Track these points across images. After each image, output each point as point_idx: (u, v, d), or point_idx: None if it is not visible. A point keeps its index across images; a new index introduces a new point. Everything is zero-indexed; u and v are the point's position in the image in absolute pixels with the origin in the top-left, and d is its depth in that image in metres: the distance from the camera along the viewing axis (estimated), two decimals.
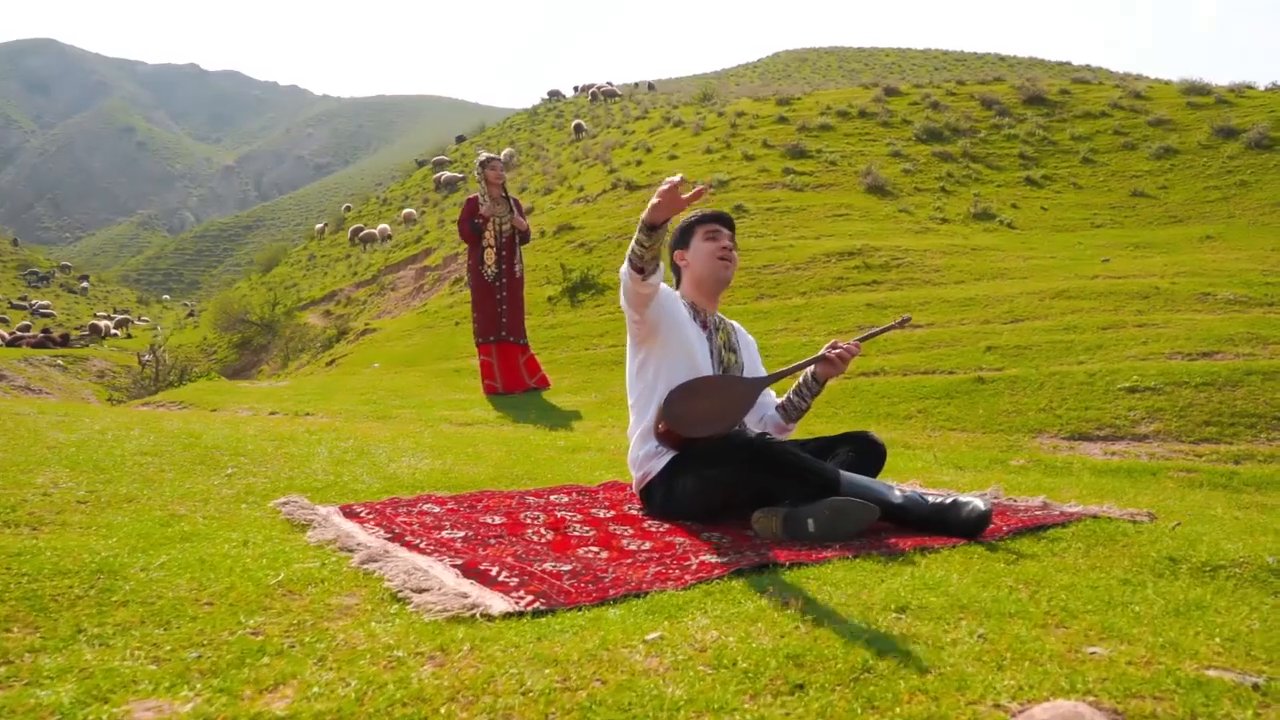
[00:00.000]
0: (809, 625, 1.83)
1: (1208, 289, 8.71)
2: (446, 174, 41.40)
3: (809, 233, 13.16)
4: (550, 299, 12.62)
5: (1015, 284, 9.92)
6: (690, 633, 1.78)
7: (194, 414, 7.07)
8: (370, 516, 2.98)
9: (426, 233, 28.79)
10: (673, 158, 20.21)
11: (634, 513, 3.18)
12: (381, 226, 35.62)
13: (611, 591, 2.10)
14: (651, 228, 2.87)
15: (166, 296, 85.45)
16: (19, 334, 29.96)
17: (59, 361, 21.49)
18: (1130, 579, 2.33)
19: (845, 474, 2.85)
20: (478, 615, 1.88)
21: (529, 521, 2.96)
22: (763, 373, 3.51)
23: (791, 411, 3.39)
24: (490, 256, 8.73)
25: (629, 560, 2.43)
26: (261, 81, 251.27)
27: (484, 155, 8.98)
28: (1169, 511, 3.40)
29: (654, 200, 2.85)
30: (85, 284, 70.54)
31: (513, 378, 8.60)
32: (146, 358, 19.15)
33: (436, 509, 3.15)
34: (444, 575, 2.19)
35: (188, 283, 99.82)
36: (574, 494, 3.49)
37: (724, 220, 3.39)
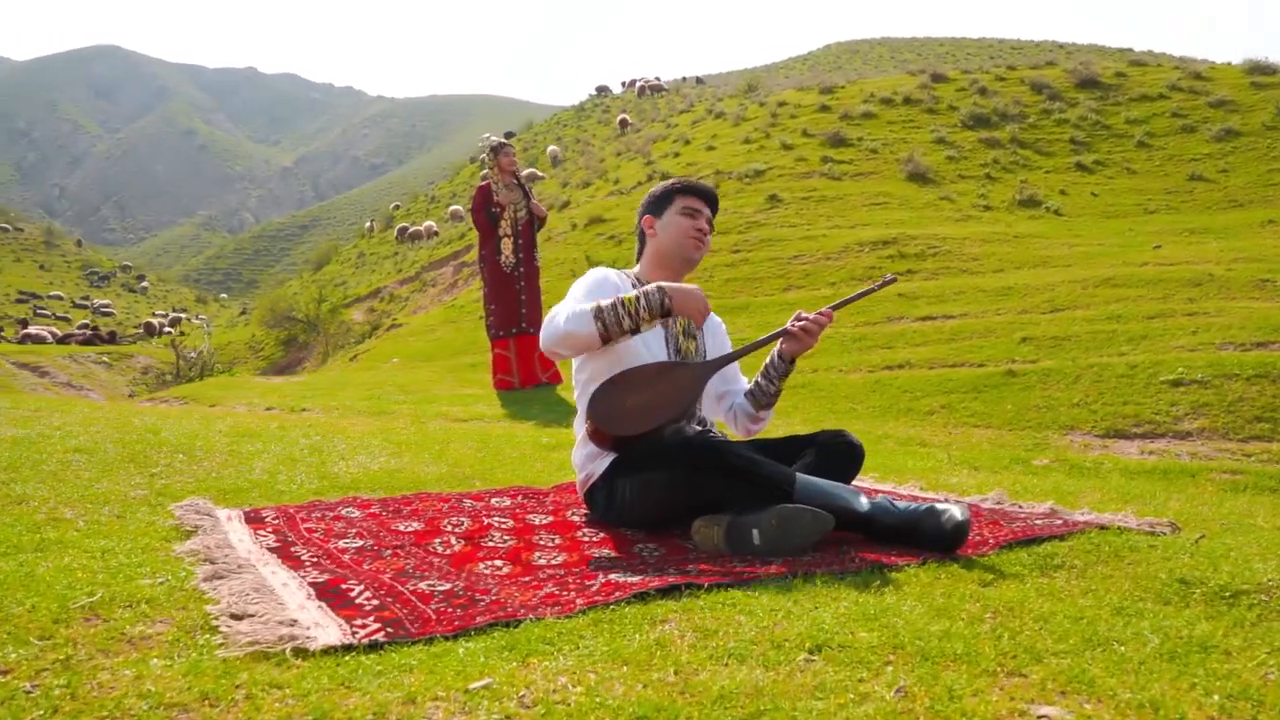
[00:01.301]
0: (687, 672, 1.45)
1: (1267, 275, 8.08)
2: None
3: (844, 222, 12.67)
4: None
5: (1058, 272, 9.35)
6: (533, 679, 1.42)
7: (179, 410, 6.86)
8: (276, 521, 2.67)
9: (470, 229, 28.69)
10: (710, 148, 19.78)
11: (575, 519, 2.82)
12: (427, 223, 35.66)
13: (479, 619, 1.74)
14: (666, 314, 2.52)
15: (224, 295, 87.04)
16: (72, 332, 30.49)
17: (104, 358, 21.72)
18: (1126, 607, 1.91)
19: (804, 478, 2.45)
20: (288, 650, 1.54)
21: (448, 529, 2.62)
22: (731, 374, 3.10)
23: (761, 397, 2.96)
24: (508, 246, 8.37)
25: (528, 578, 2.08)
26: (318, 83, 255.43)
27: (494, 140, 8.62)
28: (1199, 521, 2.95)
29: (688, 289, 2.52)
30: (144, 283, 72.04)
31: (529, 372, 8.25)
32: (193, 355, 19.25)
33: (356, 513, 2.83)
34: (291, 596, 1.86)
35: (246, 282, 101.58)
36: (520, 497, 3.14)
37: (708, 197, 2.98)
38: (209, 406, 7.37)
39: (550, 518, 2.82)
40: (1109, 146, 16.53)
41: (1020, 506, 3.08)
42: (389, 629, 1.68)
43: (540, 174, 32.42)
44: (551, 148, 39.18)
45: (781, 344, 2.89)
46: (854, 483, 3.70)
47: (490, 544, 2.44)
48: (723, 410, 3.07)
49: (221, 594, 1.83)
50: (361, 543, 2.43)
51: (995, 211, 13.29)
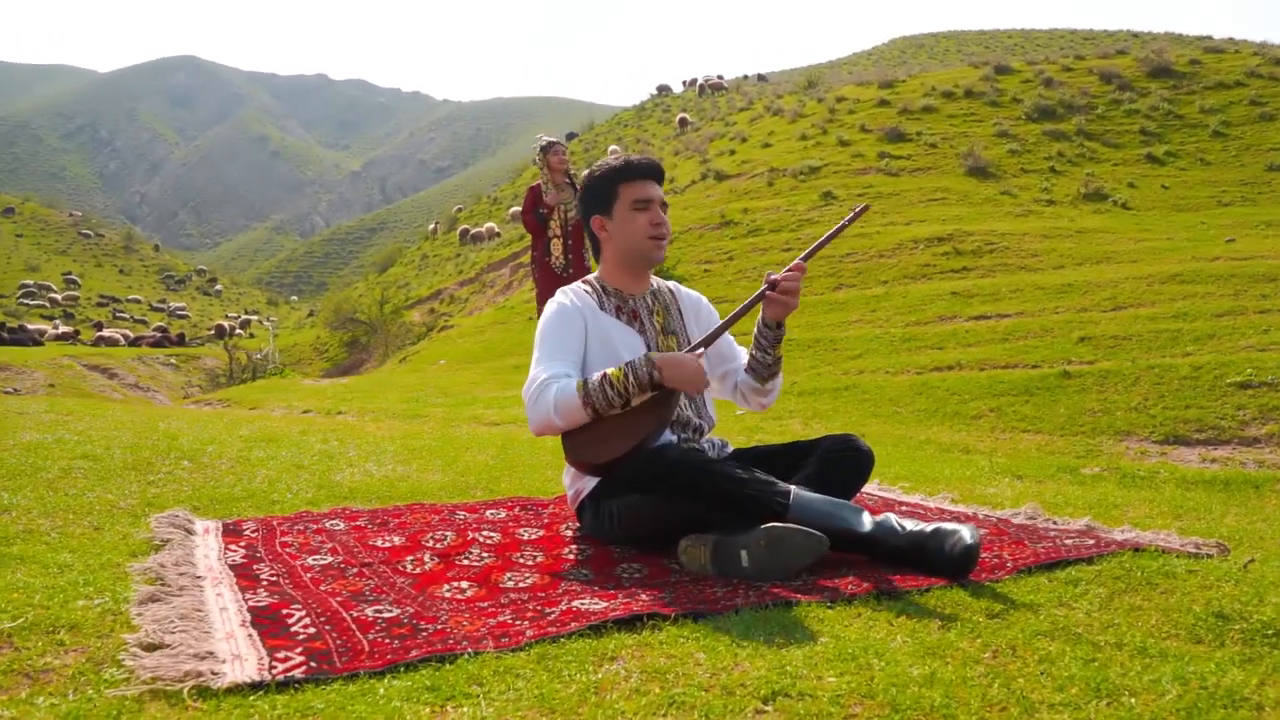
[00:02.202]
0: None
1: None
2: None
3: (899, 218, 12.33)
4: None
5: (1122, 268, 8.93)
6: None
7: (212, 413, 6.88)
8: (255, 534, 2.57)
9: None
10: (766, 145, 19.50)
11: (566, 534, 2.66)
12: (488, 225, 35.88)
13: (414, 652, 1.59)
14: (656, 388, 2.35)
15: (295, 298, 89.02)
16: (144, 334, 31.32)
17: (171, 360, 22.23)
18: (1149, 647, 1.68)
19: (802, 494, 2.24)
20: (185, 690, 1.40)
21: (429, 543, 2.48)
22: (728, 349, 2.87)
23: (760, 370, 2.71)
24: (558, 247, 8.22)
25: (487, 603, 1.92)
26: (386, 89, 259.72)
27: (545, 140, 8.48)
28: (1254, 540, 2.68)
29: (680, 360, 2.36)
30: (218, 287, 73.93)
31: None
32: (259, 354, 19.61)
33: (341, 525, 2.71)
34: (222, 622, 1.73)
35: (316, 284, 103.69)
36: (517, 508, 2.99)
37: (654, 175, 2.66)
38: (248, 410, 7.38)
39: (541, 532, 2.67)
40: (1181, 137, 15.85)
41: (1054, 523, 2.84)
42: (313, 663, 1.54)
43: None
44: (613, 148, 39.07)
45: (764, 310, 2.66)
46: (878, 492, 3.49)
47: (465, 561, 2.29)
48: (728, 390, 2.85)
49: (145, 620, 1.70)
50: (331, 559, 2.30)
51: (1058, 206, 12.81)
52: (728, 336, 2.87)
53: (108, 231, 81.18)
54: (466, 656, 1.58)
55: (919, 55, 63.96)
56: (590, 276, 2.73)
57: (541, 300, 8.29)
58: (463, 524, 2.74)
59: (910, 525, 2.22)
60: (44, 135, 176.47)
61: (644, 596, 1.93)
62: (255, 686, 1.44)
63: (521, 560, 2.32)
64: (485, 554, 2.38)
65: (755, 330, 2.70)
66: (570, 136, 54.09)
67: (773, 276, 2.62)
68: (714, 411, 2.83)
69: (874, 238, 11.36)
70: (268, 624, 1.74)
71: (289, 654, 1.58)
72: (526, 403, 2.43)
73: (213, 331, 40.30)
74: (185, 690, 1.41)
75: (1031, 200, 13.10)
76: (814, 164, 16.06)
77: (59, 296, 51.17)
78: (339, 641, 1.65)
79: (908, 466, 4.25)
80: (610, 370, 2.35)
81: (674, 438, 2.60)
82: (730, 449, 2.79)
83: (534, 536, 2.61)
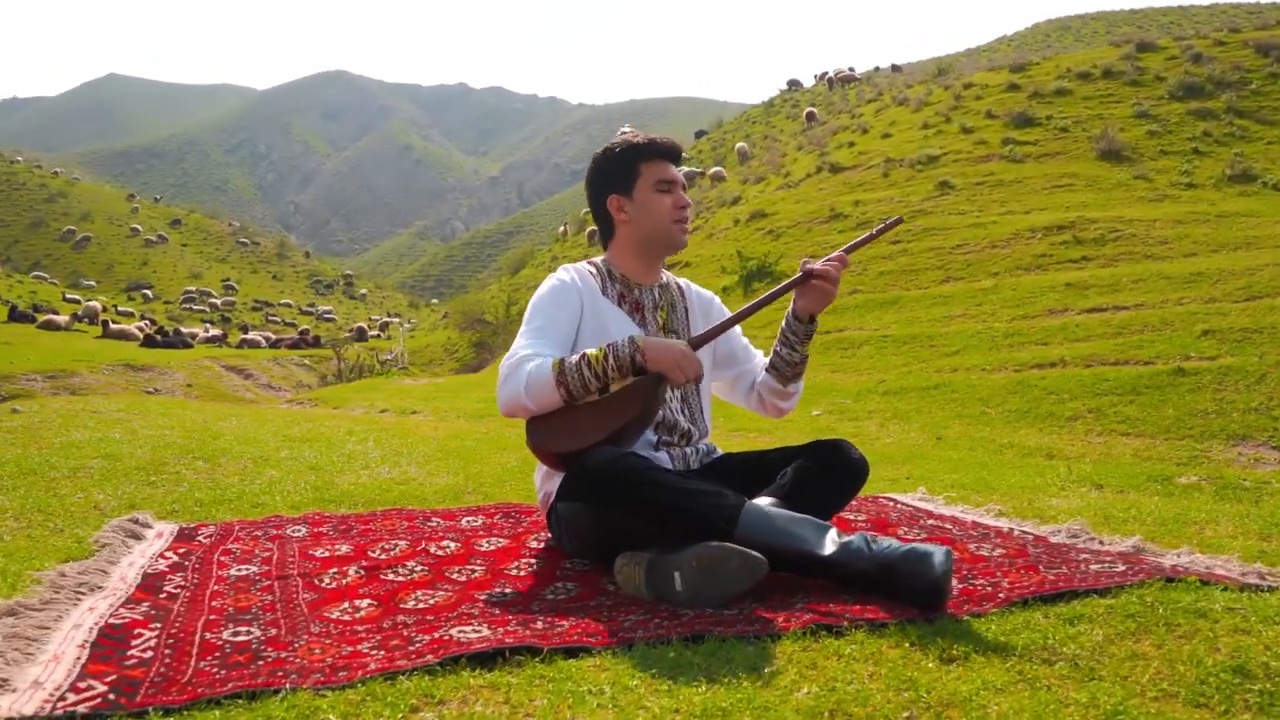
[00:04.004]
0: None
1: None
2: (685, 169, 41.31)
3: (1018, 207, 11.59)
4: (725, 289, 11.82)
5: (1263, 254, 8.07)
6: None
7: (294, 411, 6.97)
8: (209, 539, 2.47)
9: None
10: (886, 136, 18.80)
11: (534, 544, 2.44)
12: None
13: (230, 684, 1.41)
14: (639, 373, 2.10)
15: (435, 301, 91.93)
16: (283, 336, 32.80)
17: (305, 361, 23.13)
18: (1127, 710, 1.34)
19: (756, 508, 1.95)
20: None
21: (375, 554, 2.30)
22: (740, 350, 2.59)
23: (784, 369, 2.44)
24: None
25: (366, 626, 1.72)
26: (522, 95, 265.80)
27: (621, 133, 8.35)
28: None
29: (666, 345, 2.11)
30: (363, 291, 77.11)
31: None
32: (390, 355, 20.25)
33: (302, 531, 2.58)
34: (64, 642, 1.59)
35: (456, 287, 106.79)
36: (499, 516, 2.79)
37: (676, 155, 2.43)
38: (331, 409, 7.47)
39: (505, 542, 2.45)
40: None
41: (1101, 542, 2.44)
42: (112, 695, 1.38)
43: (724, 172, 32.09)
44: (740, 145, 38.67)
45: (796, 301, 2.38)
46: (913, 502, 3.13)
47: (391, 576, 2.10)
48: (741, 395, 2.58)
49: None
50: (255, 570, 2.15)
51: (1199, 189, 11.78)
52: (743, 340, 2.61)
53: (263, 240, 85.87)
54: (286, 692, 1.38)
55: (1064, 38, 60.97)
56: (597, 259, 2.49)
57: None
58: (428, 532, 2.55)
59: (884, 544, 1.90)
60: (209, 151, 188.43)
61: (538, 624, 1.69)
62: None
63: (453, 575, 2.11)
64: (421, 567, 2.18)
65: (784, 323, 2.44)
66: (699, 135, 53.84)
67: (810, 265, 2.34)
68: (709, 419, 2.55)
69: (988, 228, 10.70)
70: (108, 646, 1.58)
71: (96, 682, 1.42)
72: (499, 378, 2.19)
73: (352, 333, 41.91)
74: None
75: (1168, 184, 12.10)
76: (933, 153, 15.34)
77: (218, 301, 54.34)
78: (163, 669, 1.48)
79: (972, 474, 3.85)
80: (590, 350, 2.11)
81: (654, 438, 2.34)
82: (719, 454, 2.51)
83: (492, 548, 2.39)
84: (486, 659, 1.50)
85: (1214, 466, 4.13)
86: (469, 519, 2.74)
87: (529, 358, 2.15)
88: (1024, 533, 2.59)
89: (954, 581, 1.96)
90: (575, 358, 2.11)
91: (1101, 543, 2.44)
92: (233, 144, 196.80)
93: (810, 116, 35.18)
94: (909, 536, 2.53)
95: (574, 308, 2.31)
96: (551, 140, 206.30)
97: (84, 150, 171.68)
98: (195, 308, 51.62)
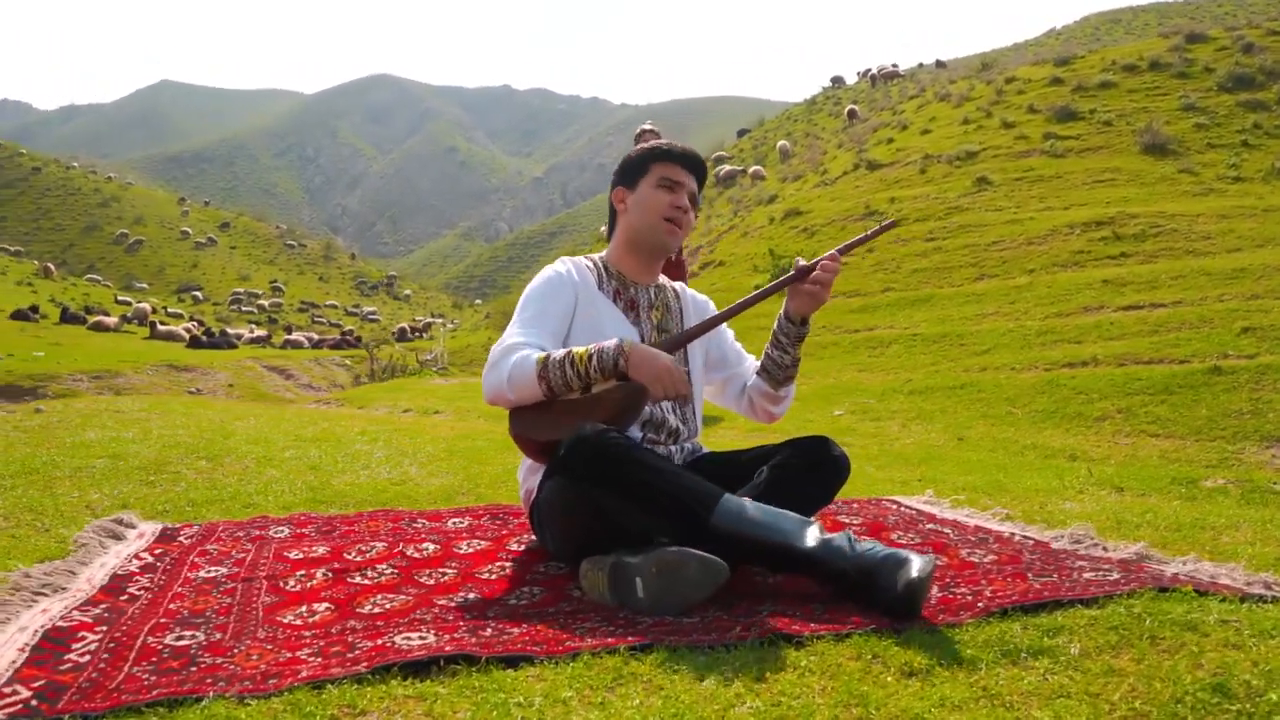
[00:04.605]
0: None
1: None
2: (726, 168, 41.09)
3: (1057, 202, 11.34)
4: (757, 287, 11.71)
5: None
6: None
7: (310, 412, 7.00)
8: (191, 540, 2.46)
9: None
10: (925, 132, 18.53)
11: (513, 547, 2.39)
12: None
13: (156, 691, 1.38)
14: (622, 378, 2.05)
15: (479, 301, 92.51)
16: (325, 337, 33.17)
17: (345, 361, 23.35)
18: None
19: (733, 501, 1.88)
20: None
21: (350, 556, 2.27)
22: (731, 353, 2.53)
23: (776, 371, 2.38)
24: None
25: (311, 633, 1.68)
26: (566, 96, 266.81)
27: (641, 128, 8.25)
28: None
29: (653, 355, 2.05)
30: (407, 292, 77.87)
31: None
32: (430, 355, 20.35)
33: (285, 532, 2.56)
34: (4, 646, 1.56)
35: (500, 287, 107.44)
36: (486, 517, 2.75)
37: (692, 164, 2.37)
38: (356, 408, 7.50)
39: (485, 544, 2.41)
40: None
41: (1105, 548, 2.34)
42: (37, 700, 1.35)
43: (763, 171, 31.91)
44: (782, 143, 38.41)
45: (788, 302, 2.31)
46: (917, 504, 3.03)
47: (357, 579, 2.06)
48: (732, 399, 2.52)
49: None
50: (221, 571, 2.13)
51: (1246, 183, 11.44)
52: (735, 343, 2.55)
53: (309, 242, 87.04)
54: (207, 701, 1.34)
55: (1114, 31, 59.80)
56: (596, 255, 2.45)
57: None
58: (409, 534, 2.52)
59: (866, 547, 1.82)
60: (259, 155, 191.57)
61: (487, 631, 1.64)
62: None
63: (422, 579, 2.07)
64: (392, 570, 2.14)
65: (776, 325, 2.38)
66: (741, 133, 53.57)
67: (804, 264, 2.28)
68: (700, 419, 2.50)
69: (1025, 224, 10.48)
70: (48, 650, 1.56)
71: (22, 688, 1.39)
72: (486, 364, 2.16)
73: (394, 334, 42.28)
74: None
75: (1214, 177, 11.77)
76: (971, 149, 15.08)
77: (265, 303, 55.17)
78: (94, 675, 1.45)
79: (988, 476, 3.74)
80: (576, 349, 2.07)
81: (640, 435, 2.29)
82: (704, 451, 2.45)
83: (471, 550, 2.35)
84: (422, 667, 1.45)
85: (1245, 469, 3.97)
86: (455, 520, 2.70)
87: (516, 347, 2.12)
88: (1025, 538, 2.49)
89: (934, 590, 1.88)
90: (560, 354, 2.07)
91: (1105, 549, 2.34)
92: (281, 148, 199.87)
93: (851, 114, 34.87)
94: (902, 541, 2.44)
95: (567, 299, 2.28)
96: (595, 141, 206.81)
97: (137, 156, 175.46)
98: (243, 309, 52.47)
